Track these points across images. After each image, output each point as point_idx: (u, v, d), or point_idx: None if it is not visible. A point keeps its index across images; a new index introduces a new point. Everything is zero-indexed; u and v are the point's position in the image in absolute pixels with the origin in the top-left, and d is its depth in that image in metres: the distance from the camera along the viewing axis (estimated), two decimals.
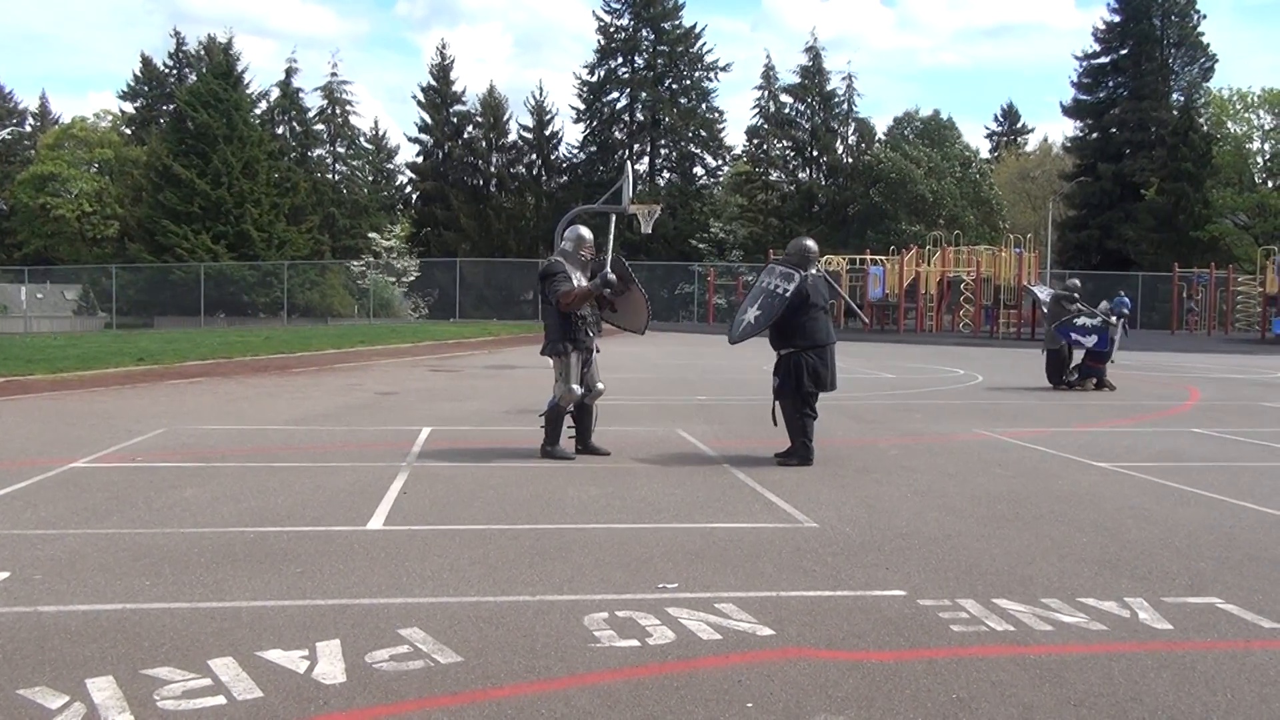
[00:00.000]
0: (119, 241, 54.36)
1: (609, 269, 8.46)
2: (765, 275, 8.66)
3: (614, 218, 9.80)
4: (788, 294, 8.23)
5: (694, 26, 58.12)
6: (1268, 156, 52.04)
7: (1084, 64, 58.31)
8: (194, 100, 48.88)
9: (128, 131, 62.27)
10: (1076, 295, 16.05)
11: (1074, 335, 15.46)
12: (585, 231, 8.68)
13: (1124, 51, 56.26)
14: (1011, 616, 4.35)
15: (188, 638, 3.98)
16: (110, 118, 64.21)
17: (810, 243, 8.69)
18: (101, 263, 51.43)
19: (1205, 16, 56.89)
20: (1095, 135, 57.46)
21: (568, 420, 8.61)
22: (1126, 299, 16.17)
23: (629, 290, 8.70)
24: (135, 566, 5.01)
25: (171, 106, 56.01)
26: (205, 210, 47.57)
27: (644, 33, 57.97)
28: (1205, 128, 51.46)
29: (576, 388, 8.35)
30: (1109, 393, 14.97)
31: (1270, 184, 51.29)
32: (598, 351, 8.68)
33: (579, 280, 8.35)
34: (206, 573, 4.91)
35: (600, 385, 8.68)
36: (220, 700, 3.41)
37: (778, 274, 8.49)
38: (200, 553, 5.28)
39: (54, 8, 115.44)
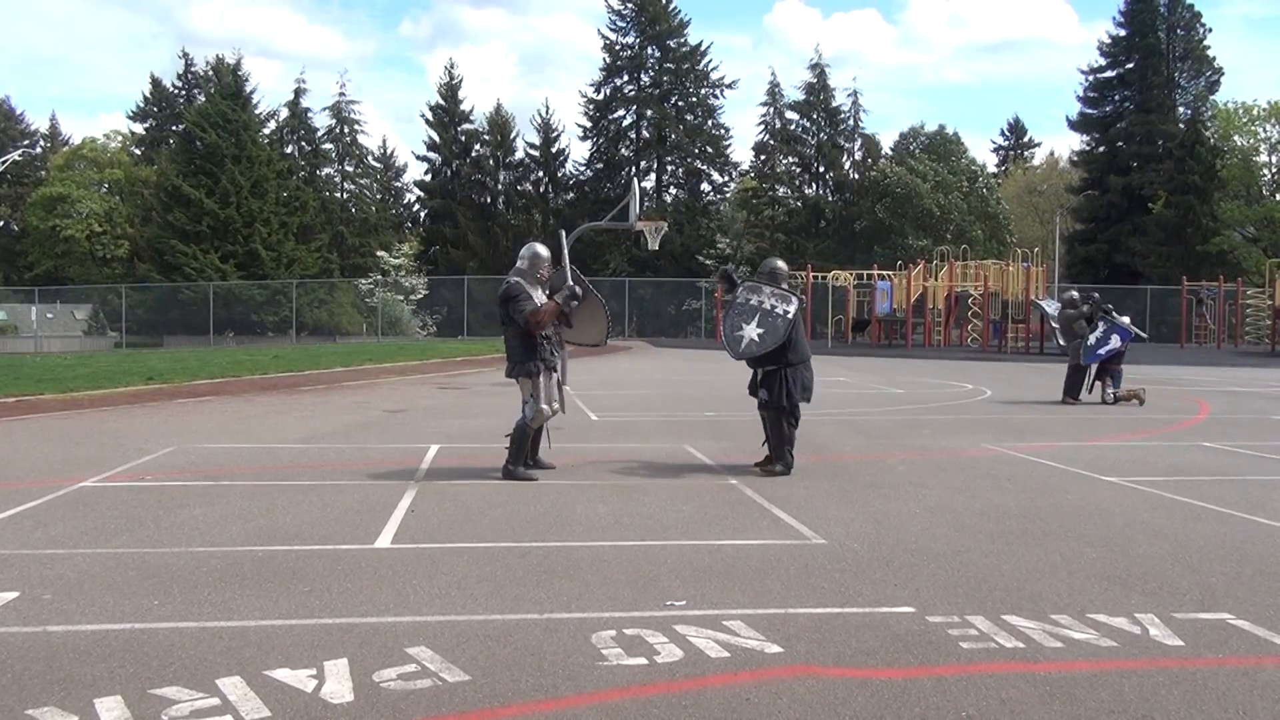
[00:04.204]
0: (129, 261, 54.70)
1: (571, 281, 8.49)
2: (750, 294, 8.85)
3: (563, 234, 9.76)
4: (789, 315, 8.62)
5: (699, 44, 58.44)
6: (1275, 169, 51.95)
7: (1090, 78, 58.44)
8: (203, 121, 49.22)
9: (137, 152, 62.68)
10: (1079, 303, 15.94)
11: (1101, 353, 15.28)
12: (541, 249, 8.65)
13: (1130, 65, 56.34)
14: (1021, 633, 4.33)
15: (196, 657, 3.98)
16: (120, 138, 64.62)
17: (783, 263, 9.31)
18: (111, 283, 51.71)
19: (1211, 30, 57.28)
20: (1102, 149, 57.51)
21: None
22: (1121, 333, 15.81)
23: (587, 298, 8.71)
24: (144, 586, 5.02)
25: (180, 127, 56.35)
26: (214, 230, 47.81)
27: (649, 50, 58.26)
28: (1212, 141, 51.35)
29: (547, 408, 8.31)
30: (1115, 406, 14.90)
31: (1278, 196, 51.14)
32: (557, 372, 8.62)
33: (539, 298, 8.35)
34: (215, 592, 4.91)
35: (556, 405, 8.64)
36: None
37: (767, 294, 8.77)
38: (208, 572, 5.29)
39: (64, 30, 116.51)
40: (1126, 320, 15.88)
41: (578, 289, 8.45)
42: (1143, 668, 3.94)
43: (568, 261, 8.86)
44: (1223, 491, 7.83)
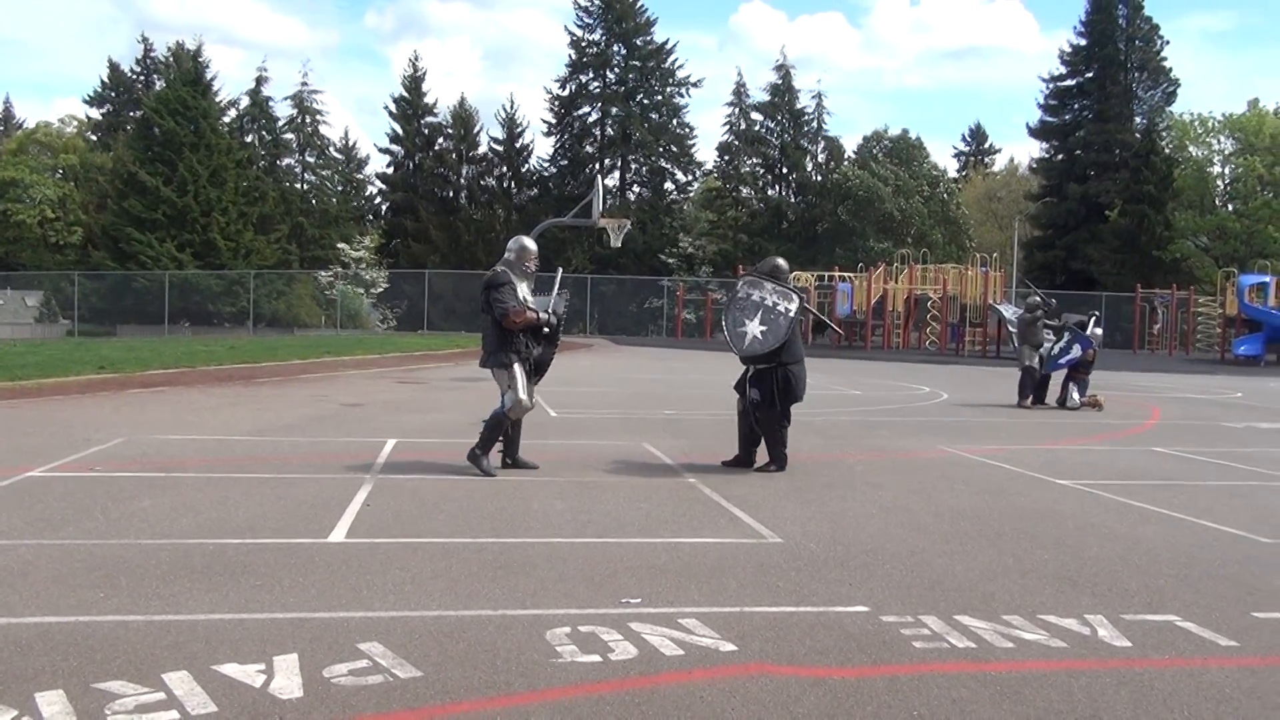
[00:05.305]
0: (82, 248, 53.74)
1: (555, 310, 8.46)
2: (752, 288, 8.83)
3: (559, 271, 9.68)
4: (790, 314, 8.61)
5: (665, 43, 58.40)
6: (1228, 180, 52.91)
7: (1050, 86, 59.16)
8: (161, 107, 48.47)
9: (93, 137, 61.72)
10: (1040, 310, 16.16)
11: (1061, 362, 15.53)
12: (529, 242, 8.62)
13: (1089, 75, 57.12)
14: (973, 633, 4.37)
15: (142, 651, 3.91)
16: (76, 123, 63.59)
17: (784, 261, 9.29)
18: (64, 269, 50.77)
19: (1169, 42, 58.01)
20: (1061, 157, 58.28)
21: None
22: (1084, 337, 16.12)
23: (556, 337, 8.65)
24: (89, 578, 4.93)
25: (138, 113, 55.48)
26: (171, 218, 47.10)
27: (616, 48, 58.15)
28: (1167, 151, 52.25)
29: (525, 399, 8.26)
30: (1073, 412, 15.09)
31: (1230, 207, 52.11)
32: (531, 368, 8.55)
33: (524, 292, 8.30)
34: (163, 585, 4.83)
35: (534, 399, 8.59)
36: (173, 715, 3.35)
37: (771, 290, 8.72)
38: (157, 564, 5.20)
39: (20, 13, 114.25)
40: (1100, 333, 16.14)
41: (554, 319, 8.44)
42: (1091, 668, 3.99)
43: (557, 290, 8.82)
44: (1172, 496, 7.96)
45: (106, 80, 62.36)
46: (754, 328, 8.63)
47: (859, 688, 3.73)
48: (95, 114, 62.89)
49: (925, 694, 3.68)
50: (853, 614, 4.62)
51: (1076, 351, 15.45)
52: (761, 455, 8.87)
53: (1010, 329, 17.70)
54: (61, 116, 65.84)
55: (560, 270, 9.56)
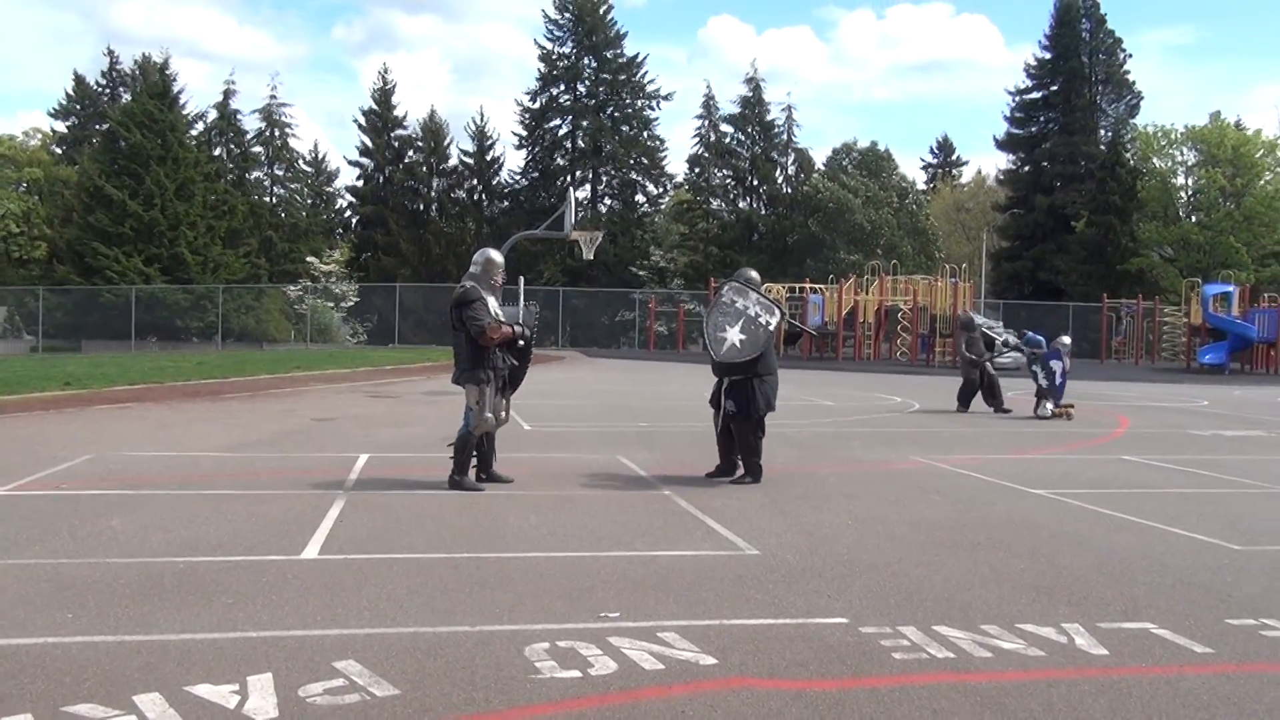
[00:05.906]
0: (47, 263, 52.98)
1: (525, 322, 8.46)
2: (737, 295, 8.82)
3: (521, 280, 9.62)
4: (770, 328, 8.69)
5: (636, 56, 58.54)
6: (1191, 192, 53.62)
7: (1016, 99, 59.79)
8: (127, 120, 47.93)
9: (58, 151, 60.98)
10: (975, 325, 17.23)
11: (1059, 382, 16.13)
12: (495, 254, 8.58)
13: (1054, 87, 57.79)
14: (952, 643, 4.37)
15: (112, 673, 3.84)
16: (40, 136, 62.84)
17: (755, 274, 9.29)
18: (28, 284, 50.08)
19: (1131, 55, 58.81)
20: (1027, 168, 58.86)
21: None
22: (1039, 337, 17.24)
23: (529, 350, 8.69)
24: (57, 598, 4.84)
25: (104, 126, 54.87)
26: (137, 232, 46.54)
27: (586, 61, 58.23)
28: (1132, 163, 52.91)
29: (490, 416, 8.21)
30: (1043, 421, 15.23)
31: (1194, 219, 52.81)
32: (504, 382, 8.53)
33: (494, 306, 8.27)
34: (133, 605, 4.75)
35: (504, 414, 8.56)
36: None
37: (755, 301, 8.75)
38: (126, 584, 5.11)
39: None
40: (1067, 341, 16.71)
41: (528, 331, 8.46)
42: (1069, 677, 4.01)
43: (523, 301, 8.81)
44: (1143, 504, 8.03)
45: (71, 93, 61.69)
46: (734, 335, 8.66)
47: (840, 700, 3.72)
48: (60, 127, 62.20)
49: (906, 705, 3.68)
50: (831, 625, 4.61)
51: (1055, 365, 15.92)
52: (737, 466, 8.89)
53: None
54: (25, 129, 65.01)
55: (522, 279, 9.50)
